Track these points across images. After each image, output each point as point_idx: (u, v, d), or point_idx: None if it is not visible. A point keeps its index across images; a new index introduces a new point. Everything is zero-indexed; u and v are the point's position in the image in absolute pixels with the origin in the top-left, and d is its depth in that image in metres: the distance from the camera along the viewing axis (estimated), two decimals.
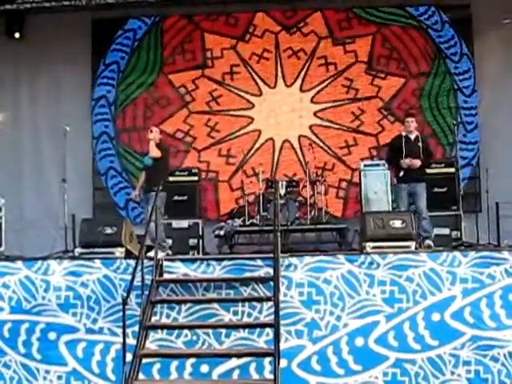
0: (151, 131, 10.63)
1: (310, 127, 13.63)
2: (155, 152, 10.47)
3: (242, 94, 13.79)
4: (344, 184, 13.36)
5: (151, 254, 9.38)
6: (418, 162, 10.46)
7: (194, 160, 13.63)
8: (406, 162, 10.50)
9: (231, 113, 13.78)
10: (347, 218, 13.04)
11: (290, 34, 13.82)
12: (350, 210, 13.27)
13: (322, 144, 13.47)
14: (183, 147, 13.66)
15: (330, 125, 13.63)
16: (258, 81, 13.79)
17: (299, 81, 13.74)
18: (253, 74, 13.80)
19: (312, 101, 13.70)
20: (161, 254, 9.84)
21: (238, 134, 13.73)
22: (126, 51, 13.97)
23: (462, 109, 13.38)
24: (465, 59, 13.45)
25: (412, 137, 10.69)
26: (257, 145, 13.68)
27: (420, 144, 10.61)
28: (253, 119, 13.75)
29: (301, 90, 13.73)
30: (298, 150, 13.58)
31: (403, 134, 10.79)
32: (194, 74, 13.88)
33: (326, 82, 13.69)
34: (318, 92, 13.70)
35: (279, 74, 13.79)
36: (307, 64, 13.74)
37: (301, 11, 13.83)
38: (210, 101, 13.82)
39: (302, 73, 13.74)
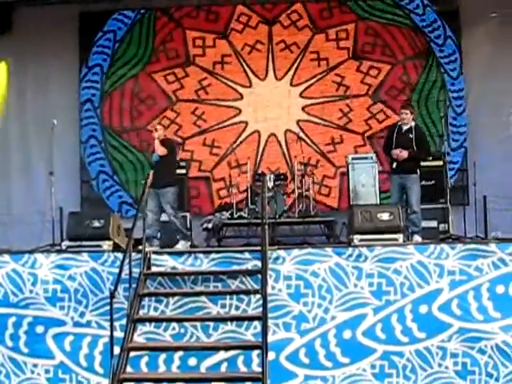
0: (156, 130, 10.66)
1: (298, 122, 13.61)
2: (160, 150, 10.50)
3: (232, 84, 13.76)
4: (327, 180, 13.36)
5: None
6: (404, 154, 10.45)
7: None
8: (394, 152, 10.51)
9: (219, 103, 13.75)
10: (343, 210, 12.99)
11: (284, 27, 13.75)
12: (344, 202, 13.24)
13: (307, 139, 13.43)
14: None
15: (317, 121, 13.61)
16: (249, 72, 13.77)
17: (290, 75, 13.70)
18: (244, 65, 13.77)
19: (301, 95, 13.68)
20: (186, 244, 10.36)
21: (224, 124, 13.71)
22: (107, 53, 13.89)
23: (450, 92, 13.41)
24: (449, 42, 13.46)
25: (404, 128, 10.65)
26: (242, 136, 13.67)
27: (411, 136, 10.56)
28: (240, 110, 13.73)
29: (291, 84, 13.70)
30: (284, 144, 13.57)
31: (398, 123, 10.79)
32: (184, 64, 13.85)
33: (317, 78, 13.66)
34: (308, 87, 13.67)
35: (270, 66, 13.75)
36: (299, 58, 13.69)
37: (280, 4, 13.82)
38: (199, 89, 13.79)
39: (294, 67, 13.70)
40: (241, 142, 13.62)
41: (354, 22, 13.63)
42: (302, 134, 13.24)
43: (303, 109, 13.64)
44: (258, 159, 13.56)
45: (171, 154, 10.72)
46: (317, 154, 13.40)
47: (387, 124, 12.90)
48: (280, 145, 13.62)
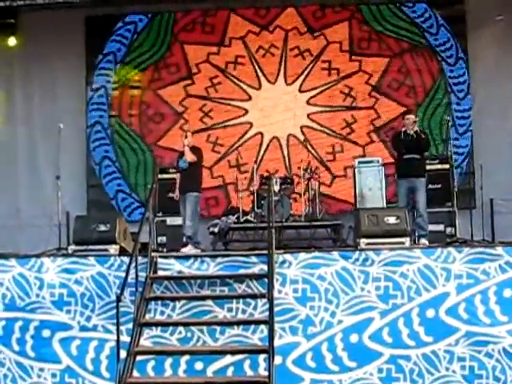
0: (186, 136, 10.93)
1: (301, 128, 13.65)
2: (190, 157, 10.73)
3: (242, 84, 13.83)
4: (323, 188, 13.19)
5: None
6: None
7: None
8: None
9: (227, 102, 13.84)
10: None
11: (300, 33, 13.81)
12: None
13: (308, 146, 13.47)
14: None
15: (320, 128, 13.65)
16: (260, 75, 13.82)
17: (299, 81, 13.74)
18: (256, 67, 13.84)
19: (308, 102, 13.71)
20: (193, 250, 10.37)
21: (229, 123, 13.80)
22: (110, 75, 14.01)
23: (450, 78, 13.44)
24: (442, 30, 13.54)
25: (410, 132, 10.70)
26: (245, 137, 13.75)
27: (417, 138, 10.65)
28: (247, 111, 13.81)
29: (299, 90, 13.73)
30: (285, 149, 13.63)
31: (402, 129, 10.82)
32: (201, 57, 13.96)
33: (326, 87, 13.70)
34: (316, 95, 13.72)
35: (281, 71, 13.80)
36: (311, 66, 13.74)
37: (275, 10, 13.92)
38: (209, 87, 13.87)
39: (304, 73, 13.75)
40: (243, 143, 13.70)
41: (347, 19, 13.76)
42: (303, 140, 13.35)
43: (308, 115, 13.67)
44: (259, 161, 13.59)
45: (199, 162, 10.94)
46: (315, 161, 13.32)
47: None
48: (281, 148, 13.67)
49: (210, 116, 13.82)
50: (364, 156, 13.27)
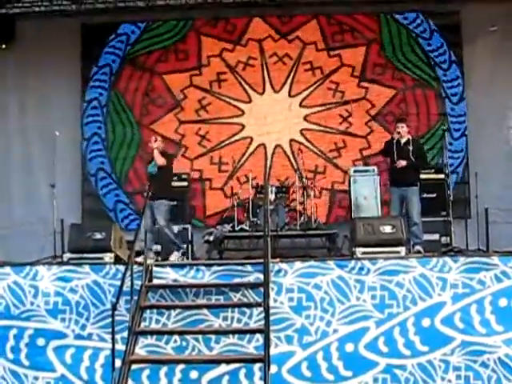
0: (155, 140, 10.60)
1: (290, 142, 13.68)
2: (160, 160, 10.46)
3: (246, 86, 13.90)
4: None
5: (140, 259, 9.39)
6: (403, 162, 10.49)
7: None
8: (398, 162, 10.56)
9: (228, 100, 13.93)
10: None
11: (316, 49, 13.85)
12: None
13: (293, 162, 13.48)
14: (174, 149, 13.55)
15: (310, 146, 13.67)
16: (267, 80, 13.88)
17: (301, 96, 13.78)
18: (264, 72, 13.89)
19: (305, 119, 13.73)
20: (178, 255, 10.33)
21: (220, 121, 13.85)
22: (118, 54, 14.02)
23: (450, 116, 13.44)
24: (454, 67, 13.52)
25: (402, 141, 10.70)
26: (234, 138, 13.79)
27: (410, 148, 10.61)
28: (243, 113, 13.87)
29: (300, 104, 13.77)
30: (269, 158, 13.70)
31: (394, 137, 10.80)
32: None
33: (326, 107, 13.73)
34: (315, 113, 13.74)
35: (288, 81, 13.84)
36: (315, 83, 13.78)
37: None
38: (213, 81, 13.94)
39: (308, 90, 13.78)
40: (231, 143, 13.78)
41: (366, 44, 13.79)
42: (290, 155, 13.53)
43: (301, 131, 13.72)
44: (241, 164, 13.66)
45: (169, 167, 10.69)
46: (295, 177, 12.96)
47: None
48: (266, 157, 13.72)
49: (207, 110, 13.86)
50: (343, 183, 13.29)
